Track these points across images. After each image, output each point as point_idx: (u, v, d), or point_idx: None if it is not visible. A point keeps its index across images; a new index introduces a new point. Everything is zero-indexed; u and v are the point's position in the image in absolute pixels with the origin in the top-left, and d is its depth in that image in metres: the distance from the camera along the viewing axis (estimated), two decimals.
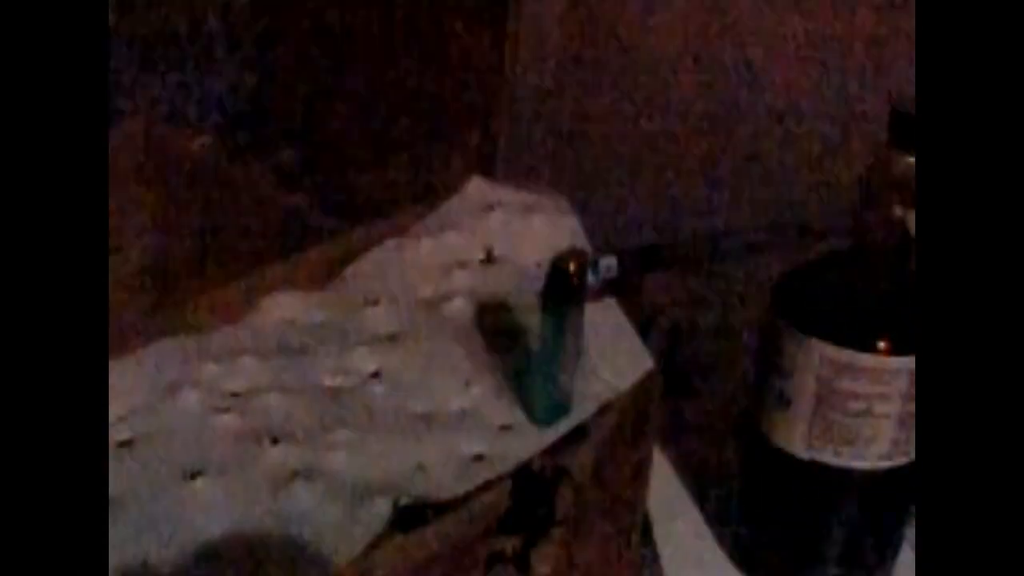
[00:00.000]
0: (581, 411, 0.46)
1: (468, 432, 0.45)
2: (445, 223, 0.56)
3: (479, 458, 0.43)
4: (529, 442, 0.44)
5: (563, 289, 0.44)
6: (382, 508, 0.39)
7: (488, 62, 0.96)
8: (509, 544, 0.44)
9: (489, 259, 0.55)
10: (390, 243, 0.55)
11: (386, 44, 1.01)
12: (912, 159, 0.56)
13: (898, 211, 0.57)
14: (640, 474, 0.57)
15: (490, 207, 0.57)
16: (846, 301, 0.59)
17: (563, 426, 0.45)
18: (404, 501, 0.40)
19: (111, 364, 0.45)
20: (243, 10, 1.05)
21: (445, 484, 0.41)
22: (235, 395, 0.46)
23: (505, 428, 0.45)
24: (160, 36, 0.98)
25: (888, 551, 0.64)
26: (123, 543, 0.38)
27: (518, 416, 0.46)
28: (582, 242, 0.54)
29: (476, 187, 0.58)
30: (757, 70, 0.85)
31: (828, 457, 0.60)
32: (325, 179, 1.10)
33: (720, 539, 0.67)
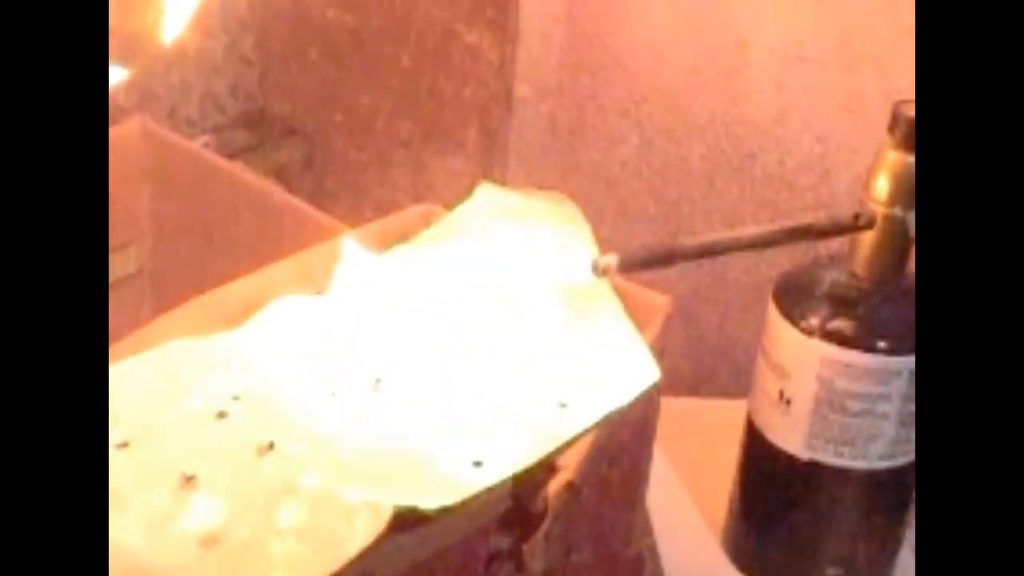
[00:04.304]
0: (583, 419, 0.46)
1: (466, 438, 0.45)
2: (453, 230, 0.56)
3: (478, 464, 0.43)
4: (529, 448, 0.44)
5: None
6: (379, 513, 0.39)
7: (488, 62, 0.96)
8: (507, 542, 0.44)
9: (499, 267, 0.55)
10: (398, 250, 0.55)
11: (386, 44, 1.01)
12: (912, 159, 0.56)
13: (898, 211, 0.57)
14: (640, 474, 0.57)
15: (500, 214, 0.56)
16: (846, 301, 0.59)
17: (564, 434, 0.45)
18: (401, 507, 0.40)
19: (110, 366, 0.45)
20: (243, 10, 1.05)
21: (443, 490, 0.41)
22: (235, 399, 0.46)
23: (504, 433, 0.45)
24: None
25: (888, 551, 0.64)
26: (116, 546, 0.38)
27: (518, 422, 0.46)
28: (593, 250, 0.54)
29: (485, 193, 0.58)
30: (757, 69, 0.85)
31: (828, 457, 0.60)
32: (325, 179, 1.10)
33: (720, 539, 0.67)
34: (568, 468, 0.46)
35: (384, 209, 0.59)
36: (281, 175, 1.06)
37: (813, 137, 0.85)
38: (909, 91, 0.61)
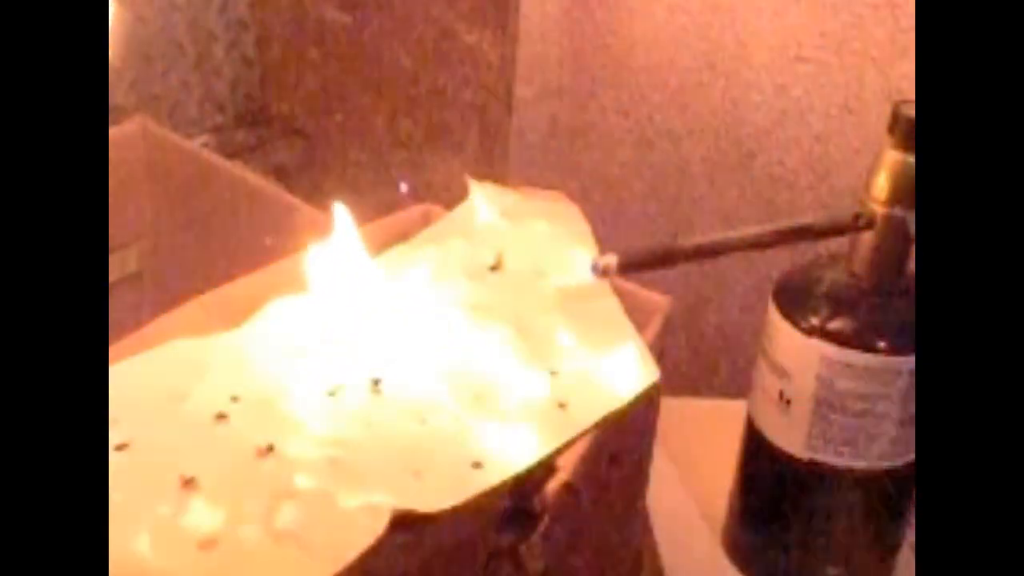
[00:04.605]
0: (583, 419, 0.46)
1: (466, 438, 0.45)
2: (451, 229, 0.56)
3: (477, 465, 0.43)
4: (528, 448, 0.44)
5: None
6: (379, 515, 0.39)
7: (488, 62, 0.96)
8: (506, 541, 0.44)
9: (497, 267, 0.54)
10: (395, 250, 0.55)
11: (386, 44, 1.01)
12: (912, 159, 0.56)
13: (898, 211, 0.57)
14: (640, 474, 0.57)
15: (498, 213, 0.56)
16: (846, 301, 0.59)
17: (564, 435, 0.45)
18: (399, 509, 0.40)
19: (110, 367, 0.45)
20: (243, 10, 1.05)
21: (442, 492, 0.41)
22: (234, 400, 0.46)
23: (504, 434, 0.45)
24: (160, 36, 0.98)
25: (888, 551, 0.64)
26: (115, 548, 0.38)
27: (517, 424, 0.46)
28: (592, 248, 0.54)
29: (484, 192, 0.58)
30: (757, 69, 0.85)
31: (828, 457, 0.60)
32: (325, 179, 1.10)
33: (720, 539, 0.67)
34: (567, 468, 0.46)
35: (384, 209, 0.59)
36: (281, 175, 1.06)
37: (813, 137, 0.85)
38: (909, 91, 0.61)
